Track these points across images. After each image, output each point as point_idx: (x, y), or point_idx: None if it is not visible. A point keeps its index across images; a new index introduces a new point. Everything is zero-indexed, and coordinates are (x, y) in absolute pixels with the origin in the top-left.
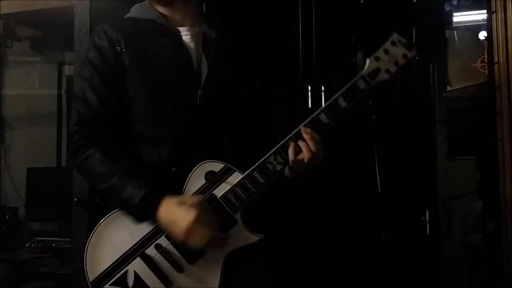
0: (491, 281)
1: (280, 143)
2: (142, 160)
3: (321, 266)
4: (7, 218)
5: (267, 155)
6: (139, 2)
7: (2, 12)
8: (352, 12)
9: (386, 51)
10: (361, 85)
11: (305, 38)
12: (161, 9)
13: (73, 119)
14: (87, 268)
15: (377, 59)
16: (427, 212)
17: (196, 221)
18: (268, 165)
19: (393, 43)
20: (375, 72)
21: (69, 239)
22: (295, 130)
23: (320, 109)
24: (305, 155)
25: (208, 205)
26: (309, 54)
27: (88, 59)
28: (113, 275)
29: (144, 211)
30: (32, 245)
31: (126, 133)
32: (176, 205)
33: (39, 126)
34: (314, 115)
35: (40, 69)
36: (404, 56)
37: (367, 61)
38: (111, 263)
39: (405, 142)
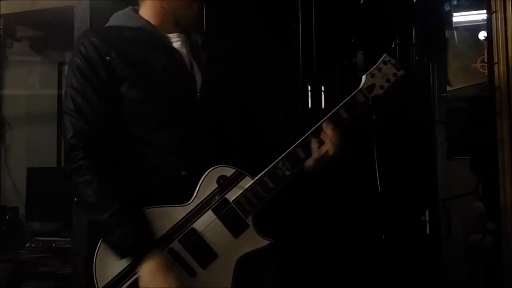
0: (491, 281)
1: (288, 150)
2: (149, 168)
3: (321, 266)
4: (7, 218)
5: (276, 161)
6: (137, 3)
7: (2, 12)
8: (352, 12)
9: (379, 69)
10: (360, 98)
11: (305, 38)
12: (146, 16)
13: (68, 132)
14: (96, 274)
15: (372, 75)
16: (427, 212)
17: None
18: (277, 170)
19: (385, 63)
20: (371, 87)
21: (69, 239)
22: (314, 128)
23: (324, 119)
24: (329, 147)
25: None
26: (309, 54)
27: (77, 69)
28: (124, 281)
29: (129, 256)
30: (33, 245)
31: (128, 142)
32: (162, 272)
33: (39, 126)
34: (318, 124)
35: (40, 69)
36: (394, 74)
37: (363, 78)
38: (122, 268)
39: (405, 142)
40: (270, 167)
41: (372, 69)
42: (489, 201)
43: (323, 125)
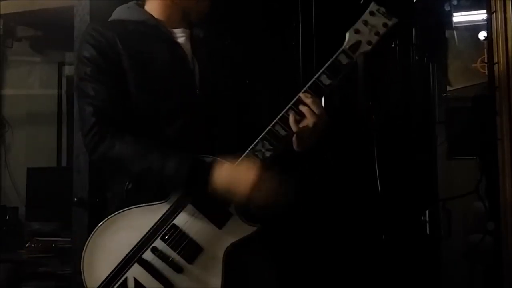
0: (491, 281)
1: (266, 129)
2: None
3: (321, 266)
4: (7, 218)
5: (254, 143)
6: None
7: (2, 12)
8: (352, 12)
9: (366, 23)
10: (343, 60)
11: (305, 38)
12: (152, 11)
13: (88, 113)
14: (85, 277)
15: (357, 31)
16: (427, 212)
17: (260, 177)
18: (256, 153)
19: (372, 13)
20: (356, 45)
21: (69, 239)
22: (293, 101)
23: (304, 88)
24: (309, 119)
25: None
26: (309, 54)
27: (85, 58)
28: (113, 284)
29: (193, 180)
30: (32, 245)
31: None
32: (233, 167)
33: (39, 126)
34: (297, 97)
35: (40, 69)
36: (385, 25)
37: (347, 35)
38: (109, 271)
39: (405, 142)
40: (249, 150)
41: (356, 24)
42: (489, 201)
43: (301, 96)
